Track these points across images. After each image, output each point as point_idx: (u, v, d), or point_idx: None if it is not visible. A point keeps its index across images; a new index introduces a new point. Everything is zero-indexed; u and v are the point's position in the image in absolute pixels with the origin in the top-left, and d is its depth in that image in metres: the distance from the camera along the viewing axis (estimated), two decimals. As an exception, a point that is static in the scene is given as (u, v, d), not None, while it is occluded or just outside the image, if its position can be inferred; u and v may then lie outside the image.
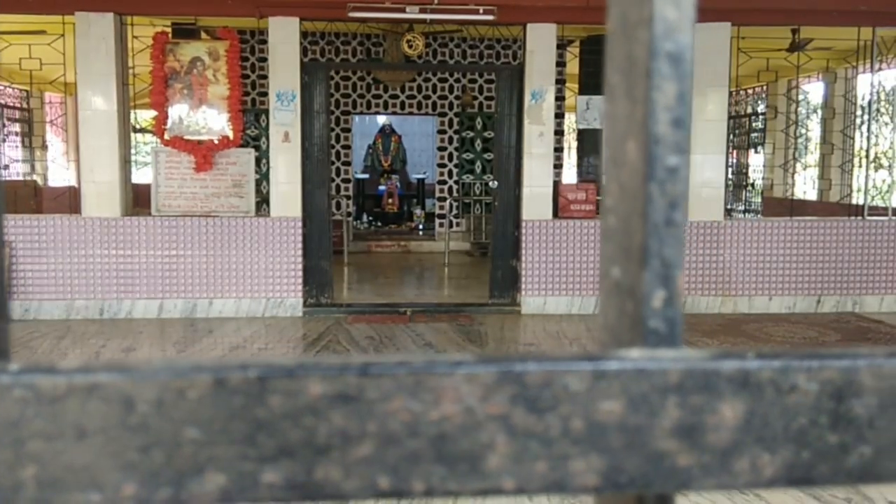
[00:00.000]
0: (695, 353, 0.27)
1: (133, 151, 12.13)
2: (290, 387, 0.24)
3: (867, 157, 7.91)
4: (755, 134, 12.16)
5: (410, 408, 0.25)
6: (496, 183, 7.42)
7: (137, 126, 13.13)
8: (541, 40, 7.00)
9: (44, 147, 11.05)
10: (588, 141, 10.03)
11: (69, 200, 7.08)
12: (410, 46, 7.44)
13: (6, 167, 9.35)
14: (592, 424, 0.25)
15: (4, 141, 9.99)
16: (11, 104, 10.85)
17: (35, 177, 10.69)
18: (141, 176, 10.62)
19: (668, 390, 0.26)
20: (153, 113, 7.07)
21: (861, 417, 0.26)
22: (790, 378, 0.26)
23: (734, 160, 12.37)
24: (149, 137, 10.65)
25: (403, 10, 6.62)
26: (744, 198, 12.09)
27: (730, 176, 12.10)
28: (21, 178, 10.13)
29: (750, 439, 0.26)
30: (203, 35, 8.15)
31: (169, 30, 7.51)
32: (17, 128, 10.85)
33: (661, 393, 0.26)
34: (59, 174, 11.66)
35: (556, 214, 7.22)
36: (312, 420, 0.24)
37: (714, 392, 0.26)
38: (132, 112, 7.41)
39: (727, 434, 0.26)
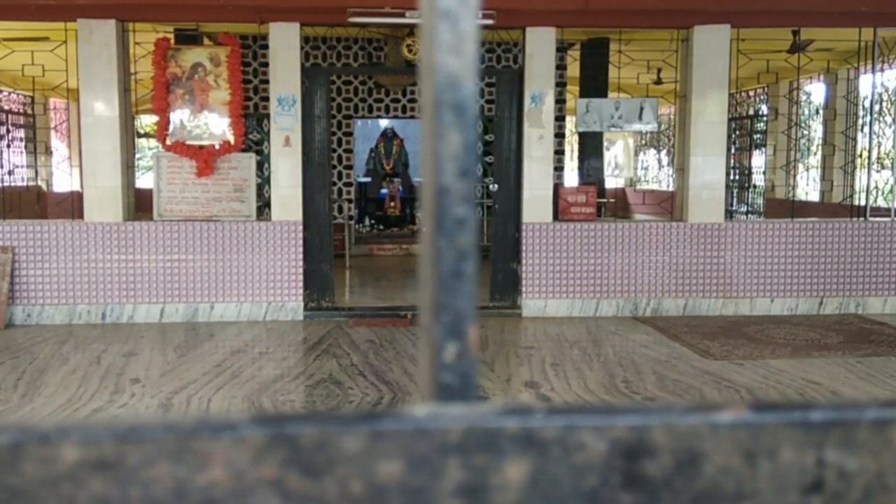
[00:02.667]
0: (480, 410, 0.26)
1: (137, 156, 12.14)
2: (45, 453, 0.24)
3: (869, 157, 7.87)
4: (757, 135, 12.11)
5: (176, 473, 0.24)
6: (496, 186, 7.41)
7: (142, 131, 13.20)
8: (540, 44, 6.99)
9: (48, 152, 11.10)
10: (589, 143, 10.02)
11: (72, 205, 7.11)
12: (411, 51, 7.45)
13: (10, 172, 9.40)
14: (372, 487, 0.25)
15: (9, 146, 10.04)
16: (16, 110, 10.90)
17: (40, 182, 10.74)
18: (146, 180, 10.65)
19: (449, 450, 0.25)
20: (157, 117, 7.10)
21: (656, 477, 0.26)
22: (577, 436, 0.26)
23: (736, 162, 12.32)
24: (153, 142, 10.70)
25: (403, 15, 6.62)
26: (746, 199, 12.05)
27: (732, 177, 12.06)
28: (24, 183, 10.18)
29: (537, 499, 0.25)
30: (206, 41, 8.18)
31: (171, 36, 7.53)
32: (21, 133, 10.91)
33: (443, 453, 0.25)
34: (63, 179, 11.72)
35: (556, 217, 7.20)
36: (71, 487, 0.24)
37: (497, 451, 0.25)
38: (136, 117, 7.44)
39: (513, 494, 0.25)
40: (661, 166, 16.02)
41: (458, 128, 0.30)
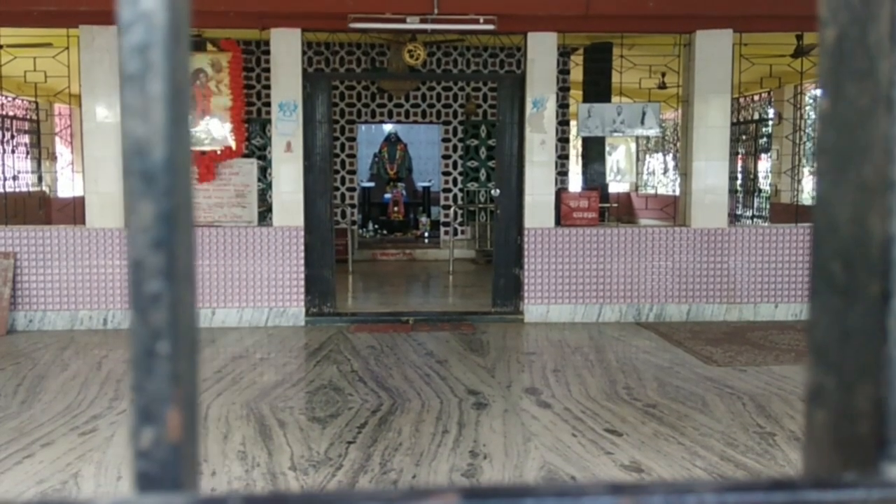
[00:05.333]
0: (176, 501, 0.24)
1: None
2: None
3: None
4: (764, 139, 12.06)
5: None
6: (498, 191, 7.40)
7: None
8: (541, 49, 6.98)
9: (52, 158, 11.13)
10: (593, 148, 9.99)
11: (74, 211, 7.13)
12: (412, 56, 7.44)
13: (15, 178, 9.42)
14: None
15: (14, 152, 10.07)
16: (21, 115, 10.93)
17: (44, 187, 10.77)
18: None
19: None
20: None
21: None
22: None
23: (742, 166, 12.28)
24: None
25: (404, 21, 6.62)
26: (752, 204, 12.00)
27: (739, 182, 12.01)
28: (28, 188, 10.20)
29: None
30: (209, 46, 8.20)
31: (172, 41, 7.54)
32: (26, 139, 10.94)
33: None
34: (67, 185, 11.74)
35: (558, 222, 7.18)
36: None
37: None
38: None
39: None
40: (666, 170, 15.99)
41: (148, 197, 0.29)
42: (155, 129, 0.29)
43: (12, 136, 10.26)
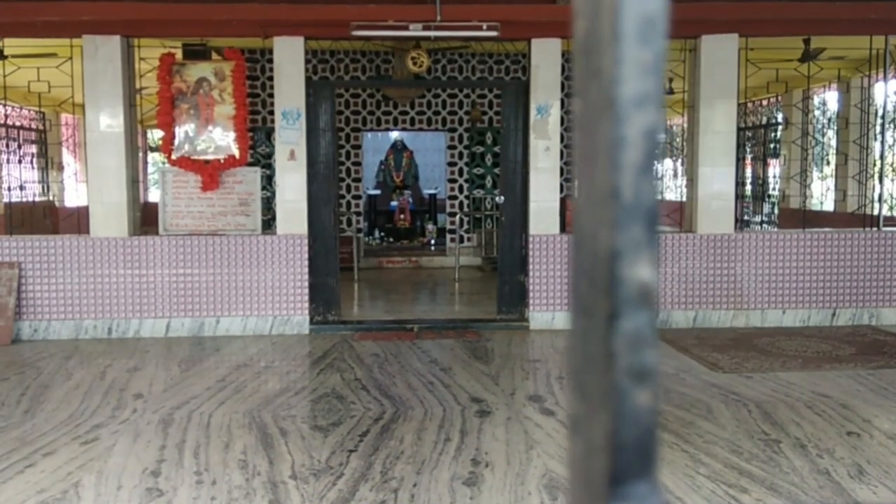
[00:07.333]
0: None
1: (150, 169, 12.19)
2: None
3: (882, 167, 7.76)
4: (774, 144, 11.99)
5: None
6: (502, 198, 7.37)
7: (153, 145, 13.27)
8: (546, 55, 6.96)
9: (59, 167, 11.16)
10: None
11: (78, 221, 7.14)
12: (415, 63, 7.43)
13: (21, 188, 9.46)
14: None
15: (20, 162, 10.10)
16: (27, 125, 10.98)
17: (51, 197, 10.80)
18: (156, 194, 10.68)
19: None
20: (165, 132, 7.12)
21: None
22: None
23: (751, 171, 12.21)
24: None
25: (406, 28, 6.61)
26: (761, 209, 11.92)
27: (748, 187, 11.94)
28: (34, 198, 10.23)
29: None
30: (213, 55, 8.22)
31: (177, 50, 7.57)
32: (33, 149, 10.98)
33: None
34: (73, 194, 11.77)
35: (563, 229, 7.15)
36: None
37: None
38: (148, 131, 7.45)
39: None
40: (676, 174, 15.92)
41: None
42: None
43: (19, 146, 10.29)
